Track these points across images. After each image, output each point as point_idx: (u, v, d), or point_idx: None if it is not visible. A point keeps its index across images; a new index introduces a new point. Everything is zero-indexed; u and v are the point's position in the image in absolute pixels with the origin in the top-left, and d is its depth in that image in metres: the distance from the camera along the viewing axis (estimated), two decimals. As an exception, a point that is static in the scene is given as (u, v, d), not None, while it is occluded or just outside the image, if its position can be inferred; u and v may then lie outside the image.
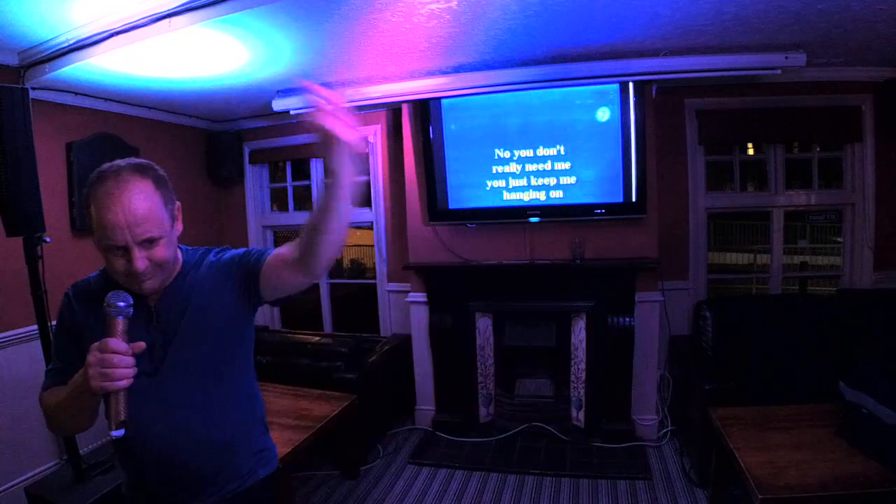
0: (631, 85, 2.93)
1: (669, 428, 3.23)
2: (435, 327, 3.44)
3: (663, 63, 2.78)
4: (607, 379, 3.23)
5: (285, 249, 1.11)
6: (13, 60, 2.57)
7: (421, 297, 3.50)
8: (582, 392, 3.32)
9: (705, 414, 2.40)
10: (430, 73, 3.04)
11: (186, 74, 2.83)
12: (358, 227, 4.37)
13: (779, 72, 2.76)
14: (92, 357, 0.90)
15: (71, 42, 2.33)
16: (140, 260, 0.98)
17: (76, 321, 1.07)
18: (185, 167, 3.93)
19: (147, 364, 1.03)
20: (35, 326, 2.02)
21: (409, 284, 3.61)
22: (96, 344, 0.92)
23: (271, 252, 1.15)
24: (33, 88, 2.56)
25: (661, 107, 3.27)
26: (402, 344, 3.70)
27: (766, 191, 3.50)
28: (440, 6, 2.11)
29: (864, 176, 3.29)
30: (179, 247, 1.16)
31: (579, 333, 3.32)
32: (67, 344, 1.07)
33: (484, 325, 3.49)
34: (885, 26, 2.44)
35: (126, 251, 0.98)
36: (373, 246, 4.05)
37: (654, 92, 3.13)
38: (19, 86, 2.14)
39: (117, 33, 2.23)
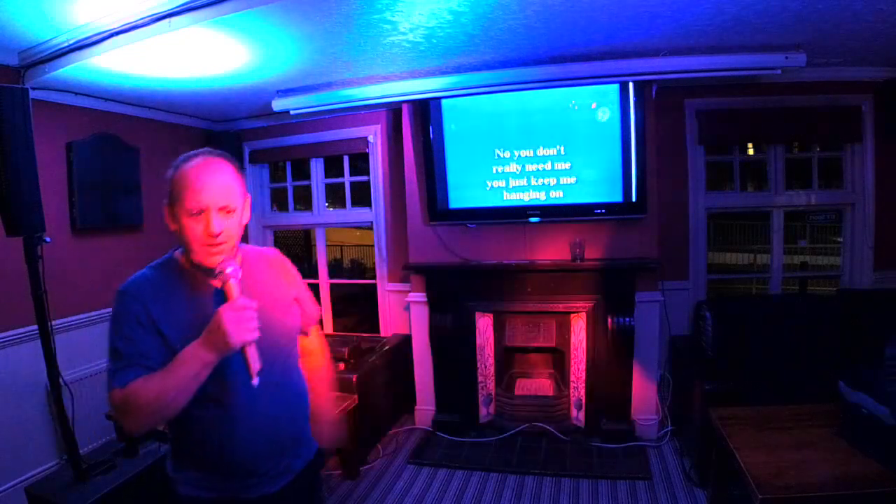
0: (631, 85, 2.93)
1: (669, 428, 3.23)
2: (435, 327, 3.44)
3: (663, 63, 2.78)
4: (607, 379, 3.23)
5: (309, 346, 1.46)
6: (13, 60, 2.57)
7: (421, 297, 3.50)
8: (582, 392, 3.32)
9: (705, 414, 2.40)
10: (430, 73, 3.04)
11: (186, 74, 2.83)
12: (358, 227, 4.37)
13: (779, 72, 2.76)
14: (227, 315, 1.03)
15: (71, 42, 2.33)
16: (217, 223, 1.10)
17: (153, 317, 1.12)
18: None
19: None
20: (35, 326, 2.02)
21: (409, 284, 3.61)
22: (226, 305, 1.05)
23: (310, 341, 1.47)
24: (33, 88, 2.56)
25: (661, 107, 3.27)
26: (402, 344, 3.70)
27: (766, 191, 3.50)
28: (440, 6, 2.11)
29: (864, 176, 3.29)
30: (242, 244, 1.29)
31: (579, 333, 3.32)
32: (144, 336, 1.11)
33: (484, 325, 3.49)
34: (886, 26, 2.44)
35: (205, 216, 1.10)
36: (373, 246, 4.06)
37: (654, 92, 3.13)
38: (19, 86, 2.14)
39: (117, 33, 2.23)
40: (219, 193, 1.11)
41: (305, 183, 4.21)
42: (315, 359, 1.48)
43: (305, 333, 1.43)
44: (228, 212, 1.13)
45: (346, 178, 4.11)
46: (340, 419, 1.52)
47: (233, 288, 1.09)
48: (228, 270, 1.09)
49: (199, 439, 1.18)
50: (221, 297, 1.11)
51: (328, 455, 1.48)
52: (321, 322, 1.54)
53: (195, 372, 1.05)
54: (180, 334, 1.09)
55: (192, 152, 1.18)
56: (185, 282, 1.18)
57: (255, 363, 1.06)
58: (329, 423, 1.44)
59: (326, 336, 3.91)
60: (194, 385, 1.06)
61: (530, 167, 3.17)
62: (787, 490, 1.69)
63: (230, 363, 1.10)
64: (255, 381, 1.07)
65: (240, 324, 1.03)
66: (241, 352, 1.06)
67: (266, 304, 1.19)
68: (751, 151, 4.17)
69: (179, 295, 1.15)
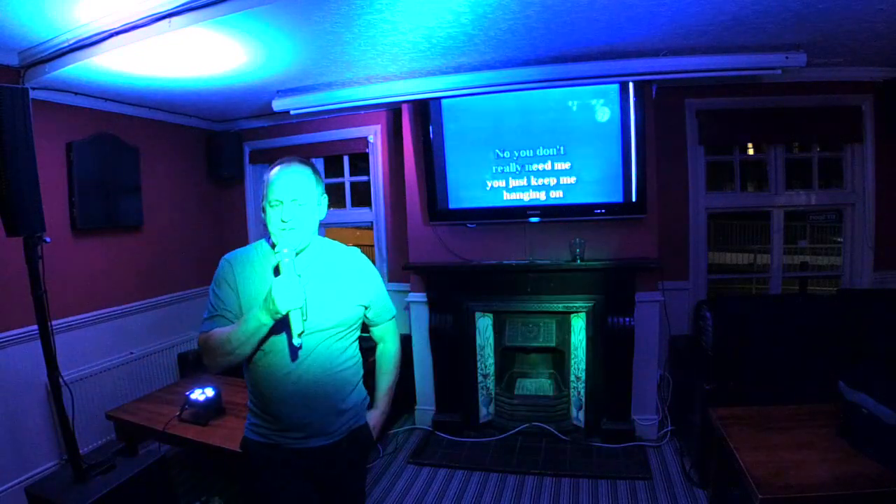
0: (631, 85, 2.93)
1: (669, 428, 3.23)
2: (435, 327, 3.44)
3: (663, 63, 2.78)
4: (607, 379, 3.23)
5: (381, 336, 1.74)
6: (13, 60, 2.57)
7: (421, 297, 3.50)
8: (582, 392, 3.32)
9: (705, 414, 2.40)
10: (430, 73, 3.04)
11: (186, 74, 2.83)
12: (358, 226, 4.37)
13: (779, 72, 2.76)
14: (276, 287, 1.28)
15: (71, 42, 2.33)
16: (288, 211, 1.38)
17: (237, 280, 1.43)
18: (185, 167, 3.93)
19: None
20: (35, 326, 2.02)
21: (409, 284, 3.61)
22: (277, 278, 1.31)
23: (381, 332, 1.72)
24: (33, 88, 2.56)
25: (661, 107, 3.27)
26: (403, 344, 3.68)
27: (766, 191, 3.50)
28: (440, 6, 2.11)
29: (864, 176, 3.29)
30: (324, 238, 1.57)
31: (579, 333, 3.32)
32: (231, 297, 1.43)
33: (484, 325, 3.49)
34: (886, 26, 2.44)
35: (282, 205, 1.38)
36: (373, 246, 4.05)
37: (654, 92, 3.13)
38: (19, 86, 2.14)
39: (117, 33, 2.23)
40: (293, 188, 1.40)
41: (305, 183, 4.20)
42: (381, 347, 1.74)
43: (375, 325, 1.67)
44: (300, 204, 1.40)
45: (346, 178, 4.11)
46: (388, 403, 1.73)
47: (286, 266, 1.32)
48: (284, 252, 1.33)
49: (254, 388, 1.47)
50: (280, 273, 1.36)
51: (371, 439, 1.65)
52: (394, 319, 1.76)
53: (254, 329, 1.32)
54: (249, 297, 1.40)
55: (284, 158, 1.48)
56: (266, 259, 1.46)
57: (297, 326, 1.29)
58: (375, 409, 1.68)
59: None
60: (253, 340, 1.34)
61: (530, 167, 3.17)
62: (787, 490, 1.69)
63: (282, 326, 1.35)
64: (297, 341, 1.31)
65: (285, 293, 1.27)
66: (287, 317, 1.29)
67: (323, 287, 1.45)
68: (751, 151, 4.18)
69: (259, 268, 1.45)
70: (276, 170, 1.44)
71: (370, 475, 2.98)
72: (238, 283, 1.43)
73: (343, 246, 1.61)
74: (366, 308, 1.59)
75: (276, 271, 1.38)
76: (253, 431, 1.50)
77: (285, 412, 1.43)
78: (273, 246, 1.44)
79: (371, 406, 1.67)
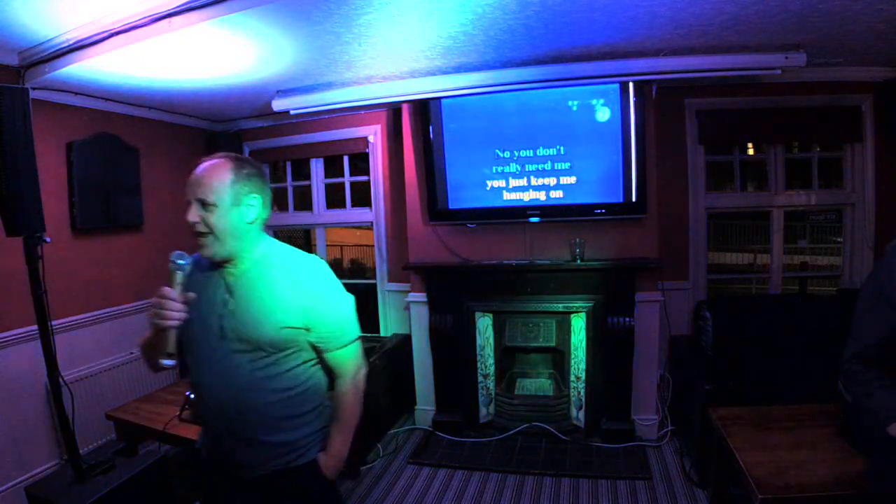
0: (631, 85, 2.93)
1: (669, 428, 3.23)
2: (435, 327, 3.44)
3: (663, 63, 2.77)
4: (607, 379, 3.23)
5: (334, 370, 1.42)
6: (13, 60, 2.57)
7: (421, 297, 3.50)
8: (582, 392, 3.32)
9: (705, 414, 2.39)
10: (430, 73, 3.04)
11: (186, 75, 2.83)
12: (358, 227, 4.37)
13: (779, 72, 2.76)
14: (153, 300, 1.20)
15: (71, 42, 2.33)
16: (192, 214, 1.25)
17: (187, 284, 1.31)
18: (185, 167, 3.87)
19: (218, 328, 1.27)
20: (35, 326, 2.02)
21: (408, 284, 3.61)
22: (159, 290, 1.21)
23: (330, 362, 1.40)
24: (33, 88, 2.56)
25: (661, 107, 3.27)
26: (402, 344, 3.70)
27: (766, 191, 3.50)
28: (440, 6, 2.11)
29: (864, 176, 3.29)
30: (271, 242, 1.38)
31: (579, 333, 3.32)
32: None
33: (484, 325, 3.49)
34: (886, 26, 2.44)
35: (189, 206, 1.26)
36: (373, 246, 4.06)
37: (654, 92, 3.13)
38: (19, 86, 2.14)
39: (117, 33, 2.23)
40: (197, 186, 1.25)
41: (305, 183, 4.21)
42: (337, 383, 1.42)
43: (322, 352, 1.37)
44: (206, 204, 1.24)
45: (346, 178, 4.11)
46: (340, 449, 1.44)
47: (174, 277, 1.24)
48: (177, 262, 1.25)
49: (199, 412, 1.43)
50: (229, 289, 1.29)
51: (320, 478, 1.41)
52: (348, 347, 1.41)
53: (152, 338, 1.26)
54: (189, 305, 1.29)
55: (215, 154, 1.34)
56: (208, 266, 1.35)
57: (167, 345, 1.21)
58: (327, 450, 1.41)
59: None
60: (150, 351, 1.28)
61: (530, 167, 3.17)
62: (787, 490, 1.69)
63: (202, 336, 1.27)
64: (167, 362, 1.21)
65: (158, 310, 1.19)
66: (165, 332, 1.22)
67: (248, 302, 1.28)
68: (751, 151, 4.17)
69: (204, 275, 1.34)
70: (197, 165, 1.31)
71: (370, 475, 2.98)
72: (187, 288, 1.31)
73: (299, 257, 1.37)
74: (306, 331, 1.32)
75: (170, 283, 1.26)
76: (201, 444, 1.43)
77: (210, 428, 1.36)
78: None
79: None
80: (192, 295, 1.24)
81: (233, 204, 1.26)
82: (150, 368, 1.34)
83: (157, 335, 1.25)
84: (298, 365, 1.33)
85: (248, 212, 1.29)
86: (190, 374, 1.35)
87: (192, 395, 1.42)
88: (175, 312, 1.20)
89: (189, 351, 1.31)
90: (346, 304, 1.41)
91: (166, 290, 1.22)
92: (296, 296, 1.30)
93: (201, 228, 1.24)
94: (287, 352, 1.30)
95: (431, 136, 3.25)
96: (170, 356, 1.20)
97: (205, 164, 1.29)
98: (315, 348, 1.36)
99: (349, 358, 1.42)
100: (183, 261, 1.25)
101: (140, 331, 3.55)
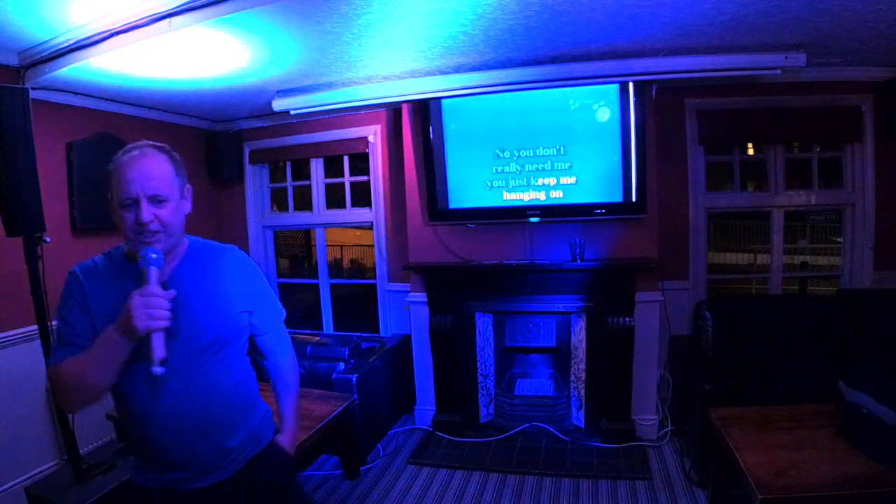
0: (631, 85, 2.93)
1: (669, 428, 3.23)
2: (435, 327, 3.44)
3: (663, 63, 2.77)
4: (607, 379, 3.23)
5: (270, 348, 1.42)
6: (13, 60, 2.57)
7: (421, 297, 3.50)
8: (582, 392, 3.32)
9: (705, 414, 2.40)
10: (430, 73, 3.04)
11: (186, 74, 2.83)
12: (358, 227, 4.37)
13: (779, 72, 2.76)
14: (135, 301, 1.04)
15: (71, 42, 2.33)
16: (146, 212, 1.12)
17: (87, 296, 1.17)
18: (185, 167, 3.92)
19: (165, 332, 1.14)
20: (35, 326, 2.02)
21: (409, 284, 3.61)
22: (137, 290, 1.06)
23: (269, 342, 1.41)
24: (33, 88, 2.56)
25: (661, 107, 3.27)
26: (402, 344, 3.70)
27: (766, 191, 3.50)
28: (440, 6, 2.11)
29: (864, 176, 3.29)
30: (187, 236, 1.29)
31: (579, 333, 3.32)
32: (80, 318, 1.15)
33: (484, 325, 3.49)
34: (886, 26, 2.44)
35: (137, 205, 1.12)
36: (373, 246, 4.06)
37: (654, 92, 3.13)
38: (19, 86, 2.14)
39: (117, 33, 2.23)
40: (149, 183, 1.14)
41: (305, 183, 4.21)
42: (272, 361, 1.45)
43: (260, 334, 1.39)
44: (160, 200, 1.15)
45: (346, 178, 4.11)
46: (296, 426, 1.48)
47: (150, 274, 1.09)
48: (150, 256, 1.09)
49: (128, 426, 1.22)
50: (164, 287, 1.13)
51: (287, 457, 1.42)
52: (285, 323, 1.48)
53: (110, 354, 1.08)
54: (106, 318, 1.11)
55: (131, 145, 1.20)
56: (124, 269, 1.19)
57: (158, 351, 1.05)
58: (283, 433, 1.43)
59: (328, 336, 3.91)
60: (111, 367, 1.09)
61: (530, 167, 3.17)
62: (787, 490, 1.69)
63: (138, 348, 1.08)
64: (158, 369, 1.05)
65: (145, 310, 1.04)
66: (147, 339, 1.05)
67: (198, 297, 1.21)
68: (751, 151, 4.17)
69: (115, 280, 1.17)
70: (124, 159, 1.16)
71: (370, 475, 2.98)
72: (90, 301, 1.16)
73: (217, 244, 1.36)
74: (250, 314, 1.32)
75: (139, 283, 1.09)
76: (141, 475, 1.24)
77: (160, 452, 1.18)
78: (128, 253, 1.20)
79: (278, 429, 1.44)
80: (172, 292, 1.10)
81: (180, 197, 1.22)
82: (85, 400, 1.14)
83: (121, 353, 1.08)
84: (241, 354, 1.32)
85: (188, 204, 1.27)
86: (124, 399, 1.17)
87: (127, 422, 1.22)
88: (165, 311, 1.06)
89: (131, 367, 1.11)
90: (269, 284, 1.45)
91: (150, 287, 1.07)
92: (235, 281, 1.29)
93: (154, 227, 1.13)
94: (239, 342, 1.29)
95: (431, 136, 3.26)
96: (163, 363, 1.05)
97: (141, 157, 1.16)
98: (254, 331, 1.36)
99: (285, 334, 1.47)
100: (156, 254, 1.11)
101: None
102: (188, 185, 1.27)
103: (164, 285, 1.12)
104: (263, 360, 1.45)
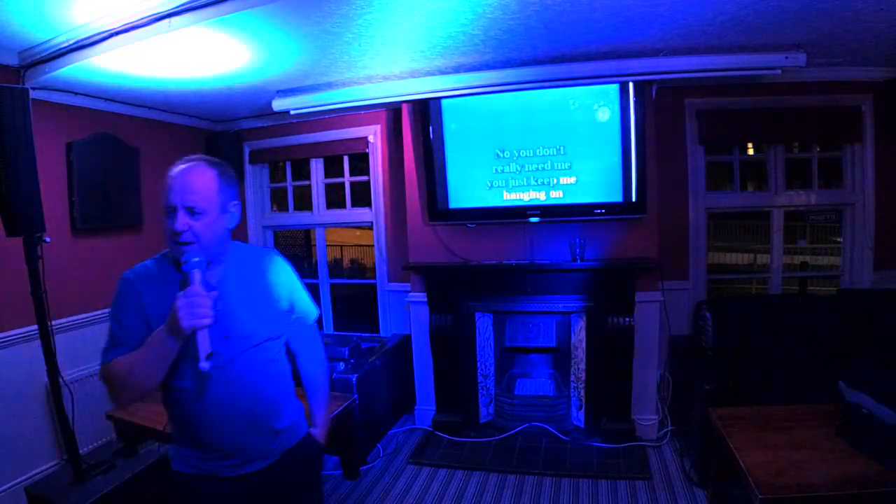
0: (631, 85, 2.93)
1: (669, 428, 3.23)
2: (435, 327, 3.44)
3: (663, 63, 2.77)
4: (607, 379, 3.23)
5: (302, 345, 1.53)
6: (13, 60, 2.57)
7: (421, 297, 3.50)
8: (582, 392, 3.32)
9: (705, 414, 2.40)
10: (430, 73, 3.04)
11: (187, 74, 2.83)
12: (358, 227, 4.37)
13: (779, 72, 2.76)
14: (180, 302, 1.12)
15: (71, 42, 2.33)
16: (180, 222, 1.19)
17: (141, 300, 1.25)
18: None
19: (213, 331, 1.21)
20: (35, 326, 2.02)
21: (409, 284, 3.61)
22: (182, 292, 1.14)
23: (303, 339, 1.52)
24: (33, 88, 2.56)
25: (661, 107, 3.27)
26: (402, 344, 3.70)
27: (766, 191, 3.50)
28: (439, 6, 2.11)
29: (864, 176, 3.29)
30: (236, 242, 1.41)
31: (579, 333, 3.32)
32: (135, 320, 1.24)
33: (484, 325, 3.49)
34: (886, 26, 2.44)
35: (174, 212, 1.20)
36: (373, 246, 4.06)
37: (654, 92, 3.13)
38: (19, 86, 2.14)
39: (117, 33, 2.23)
40: (187, 194, 1.20)
41: (305, 183, 4.21)
42: (305, 358, 1.55)
43: (295, 331, 1.48)
44: (196, 212, 1.21)
45: (346, 178, 4.11)
46: (327, 419, 1.60)
47: (192, 277, 1.16)
48: (192, 261, 1.17)
49: (178, 416, 1.31)
50: (186, 285, 1.20)
51: (318, 447, 1.54)
52: (319, 323, 1.58)
53: (159, 353, 1.16)
54: (160, 319, 1.18)
55: (187, 157, 1.28)
56: (172, 272, 1.27)
57: (204, 348, 1.13)
58: (315, 426, 1.54)
59: (327, 336, 3.92)
60: (161, 365, 1.18)
61: (530, 167, 3.17)
62: (787, 490, 1.69)
63: (186, 347, 1.17)
64: (205, 365, 1.12)
65: (191, 310, 1.12)
66: (193, 336, 1.14)
67: (244, 297, 1.31)
68: (751, 151, 4.17)
69: (166, 284, 1.25)
70: (175, 169, 1.24)
71: (370, 475, 2.98)
72: (146, 303, 1.24)
73: (257, 247, 1.50)
74: (288, 312, 1.43)
75: (183, 286, 1.18)
76: (183, 463, 1.32)
77: (215, 440, 1.27)
78: (175, 259, 1.26)
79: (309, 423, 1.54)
80: (215, 293, 1.19)
81: (221, 212, 1.28)
82: (135, 395, 1.23)
83: (170, 351, 1.16)
84: (280, 350, 1.41)
85: (232, 218, 1.33)
86: (174, 393, 1.26)
87: (175, 414, 1.32)
88: (209, 310, 1.14)
89: (176, 366, 1.21)
90: (304, 285, 1.54)
91: (195, 288, 1.15)
92: (275, 282, 1.39)
93: (187, 237, 1.20)
94: (278, 339, 1.38)
95: (431, 136, 3.25)
96: (209, 357, 1.13)
97: (188, 169, 1.24)
98: (290, 327, 1.45)
99: (317, 332, 1.58)
100: (198, 257, 1.19)
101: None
102: (236, 201, 1.34)
103: (210, 288, 1.20)
104: (296, 357, 1.54)
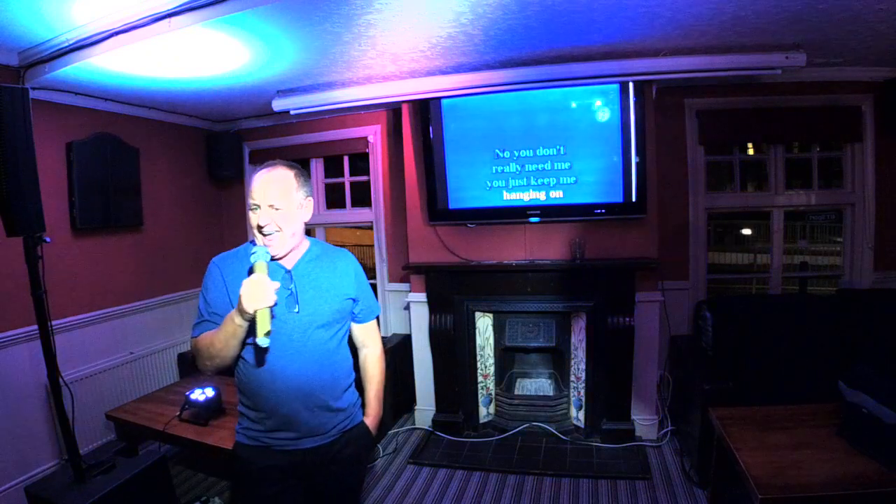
0: (631, 85, 2.93)
1: (669, 428, 3.23)
2: (435, 327, 3.44)
3: (663, 63, 2.78)
4: (607, 379, 3.23)
5: (364, 340, 1.71)
6: (13, 60, 2.57)
7: (421, 297, 3.50)
8: (582, 392, 3.32)
9: (705, 414, 2.40)
10: (430, 73, 3.04)
11: (186, 75, 2.83)
12: (358, 227, 4.37)
13: (779, 72, 2.76)
14: (244, 287, 1.28)
15: (71, 42, 2.33)
16: (263, 217, 1.40)
17: (225, 282, 1.45)
18: (185, 167, 3.93)
19: (287, 310, 1.43)
20: (35, 326, 2.02)
21: (409, 284, 3.61)
22: (247, 278, 1.30)
23: (364, 332, 1.70)
24: (33, 88, 2.56)
25: (661, 107, 3.27)
26: (402, 344, 3.70)
27: (766, 191, 3.50)
28: (439, 6, 2.11)
29: (864, 176, 3.29)
30: (308, 238, 1.58)
31: (579, 333, 3.32)
32: (221, 300, 1.44)
33: (484, 325, 3.49)
34: (886, 26, 2.44)
35: (259, 210, 1.41)
36: (373, 246, 4.06)
37: (654, 92, 3.13)
38: (19, 86, 2.14)
39: (117, 33, 2.23)
40: (269, 193, 1.41)
41: (305, 183, 4.20)
42: (365, 352, 1.72)
43: (358, 322, 1.66)
44: (277, 209, 1.41)
45: (346, 178, 4.11)
46: (380, 411, 1.72)
47: (258, 265, 1.33)
48: (259, 251, 1.35)
49: (246, 388, 1.47)
50: (289, 277, 1.45)
51: (370, 438, 1.67)
52: (378, 320, 1.76)
53: (231, 330, 1.33)
54: (237, 299, 1.33)
55: (269, 161, 1.50)
56: (248, 260, 1.42)
57: (263, 325, 1.26)
58: (367, 416, 1.67)
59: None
60: (233, 342, 1.35)
61: (530, 167, 3.17)
62: (787, 490, 1.69)
63: (253, 325, 1.31)
64: (262, 341, 1.27)
65: (253, 292, 1.26)
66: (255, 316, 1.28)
67: (315, 285, 1.49)
68: (751, 151, 4.17)
69: (244, 270, 1.42)
70: (258, 172, 1.46)
71: (370, 476, 2.98)
72: (228, 285, 1.44)
73: (333, 246, 1.65)
74: (354, 301, 1.60)
75: (251, 273, 1.36)
76: (244, 435, 1.50)
77: (279, 410, 1.43)
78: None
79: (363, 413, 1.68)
80: (276, 283, 1.33)
81: (298, 207, 1.46)
82: (216, 366, 1.42)
83: (240, 329, 1.32)
84: (343, 337, 1.57)
85: (307, 213, 1.51)
86: (248, 366, 1.43)
87: (246, 386, 1.47)
88: (268, 293, 1.27)
89: (248, 339, 1.38)
90: (369, 284, 1.72)
91: (257, 274, 1.30)
92: (346, 272, 1.57)
93: (272, 229, 1.40)
94: (342, 325, 1.55)
95: (431, 136, 3.25)
96: (268, 334, 1.27)
97: (270, 173, 1.44)
98: (355, 320, 1.63)
99: (377, 328, 1.74)
100: (263, 249, 1.38)
101: (141, 330, 3.57)
102: (309, 198, 1.52)
103: (284, 276, 1.43)
104: (357, 350, 1.70)
